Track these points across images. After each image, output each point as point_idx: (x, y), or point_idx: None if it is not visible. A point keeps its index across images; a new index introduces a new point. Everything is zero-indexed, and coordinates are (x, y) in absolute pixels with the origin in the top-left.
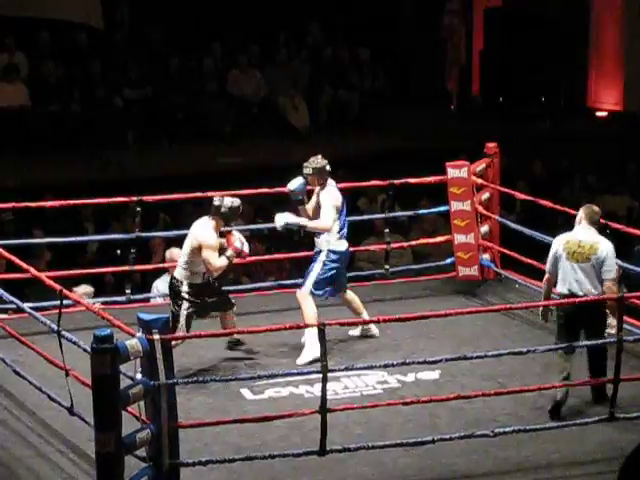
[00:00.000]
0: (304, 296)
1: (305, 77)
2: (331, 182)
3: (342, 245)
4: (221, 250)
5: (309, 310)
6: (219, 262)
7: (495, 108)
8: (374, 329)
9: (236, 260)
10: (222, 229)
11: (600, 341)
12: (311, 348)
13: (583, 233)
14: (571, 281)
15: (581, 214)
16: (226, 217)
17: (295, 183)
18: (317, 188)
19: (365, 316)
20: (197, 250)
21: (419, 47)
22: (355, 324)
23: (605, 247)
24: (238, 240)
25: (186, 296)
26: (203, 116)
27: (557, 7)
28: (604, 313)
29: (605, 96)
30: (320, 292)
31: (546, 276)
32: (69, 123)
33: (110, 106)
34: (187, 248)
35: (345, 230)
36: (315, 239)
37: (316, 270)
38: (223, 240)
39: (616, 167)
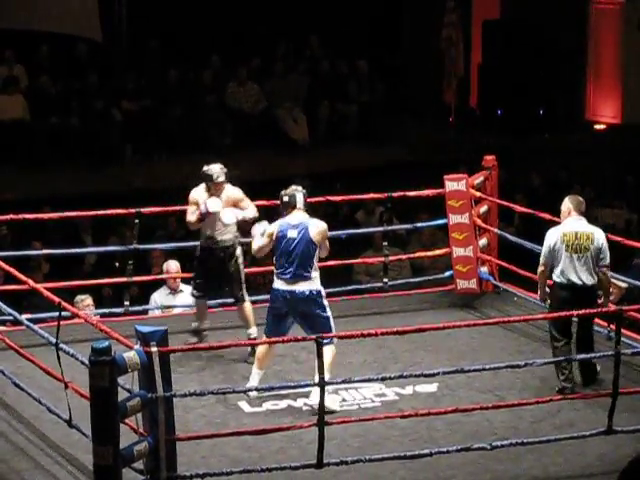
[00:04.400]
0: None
1: (304, 90)
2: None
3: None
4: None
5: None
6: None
7: (493, 121)
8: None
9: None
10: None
11: (592, 355)
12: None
13: (577, 224)
14: (570, 272)
15: (569, 205)
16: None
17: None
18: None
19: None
20: None
21: (417, 59)
22: (354, 337)
23: (600, 235)
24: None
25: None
26: (202, 129)
27: (555, 20)
28: (595, 300)
29: (603, 109)
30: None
31: (540, 268)
32: (68, 135)
33: (109, 118)
34: None
35: (282, 268)
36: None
37: None
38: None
39: (614, 180)
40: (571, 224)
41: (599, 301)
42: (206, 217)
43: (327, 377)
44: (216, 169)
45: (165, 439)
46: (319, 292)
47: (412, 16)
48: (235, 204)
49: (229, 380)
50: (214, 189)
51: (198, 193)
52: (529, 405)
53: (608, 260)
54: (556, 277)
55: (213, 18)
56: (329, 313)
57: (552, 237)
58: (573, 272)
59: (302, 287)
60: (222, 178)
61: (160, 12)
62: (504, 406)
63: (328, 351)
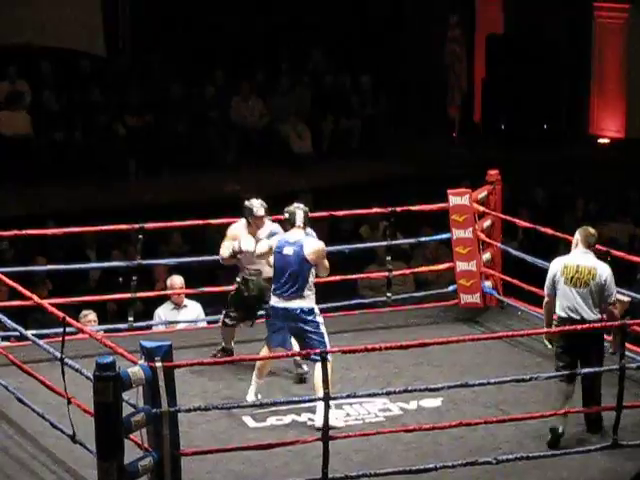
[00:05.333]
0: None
1: (307, 104)
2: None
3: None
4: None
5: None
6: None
7: (497, 135)
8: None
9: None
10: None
11: (602, 368)
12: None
13: (581, 257)
14: (569, 306)
15: (577, 237)
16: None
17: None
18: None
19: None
20: None
21: (421, 74)
22: (358, 351)
23: (603, 271)
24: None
25: None
26: (205, 143)
27: (559, 34)
28: (602, 340)
29: (607, 123)
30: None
31: (545, 299)
32: (71, 151)
33: (112, 134)
34: None
35: (278, 284)
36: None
37: None
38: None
39: (618, 194)
40: (575, 256)
41: (607, 339)
42: (239, 255)
43: (321, 394)
44: (256, 203)
45: (170, 454)
46: (311, 310)
47: (415, 31)
48: None
49: (233, 395)
50: (254, 223)
51: (238, 229)
52: (534, 419)
53: (614, 298)
54: (558, 310)
55: (216, 33)
56: (323, 330)
57: (554, 267)
58: (572, 306)
59: (295, 304)
60: (262, 212)
61: (163, 27)
62: (509, 420)
63: (320, 368)
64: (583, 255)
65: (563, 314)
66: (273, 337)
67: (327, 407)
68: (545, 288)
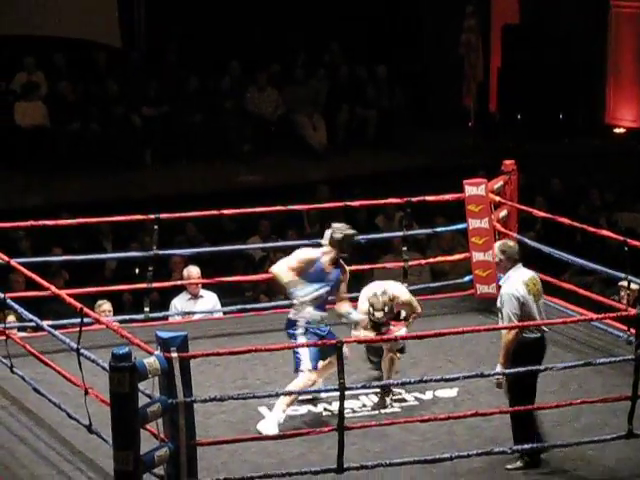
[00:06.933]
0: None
1: (323, 95)
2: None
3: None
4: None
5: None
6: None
7: (513, 125)
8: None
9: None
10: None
11: (612, 359)
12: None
13: (526, 270)
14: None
15: (511, 253)
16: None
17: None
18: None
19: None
20: None
21: (437, 64)
22: (373, 341)
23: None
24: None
25: None
26: (221, 134)
27: (575, 24)
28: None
29: (623, 113)
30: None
31: (513, 332)
32: (88, 142)
33: (128, 124)
34: None
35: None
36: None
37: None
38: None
39: (634, 184)
40: (524, 272)
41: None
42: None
43: (283, 408)
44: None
45: (186, 444)
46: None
47: (431, 21)
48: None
49: (249, 385)
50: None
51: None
52: (549, 409)
53: None
54: (530, 332)
55: (232, 24)
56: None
57: (516, 292)
58: (540, 320)
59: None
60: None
61: (179, 18)
62: (524, 410)
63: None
64: (524, 268)
65: (537, 334)
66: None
67: (342, 397)
68: (513, 318)
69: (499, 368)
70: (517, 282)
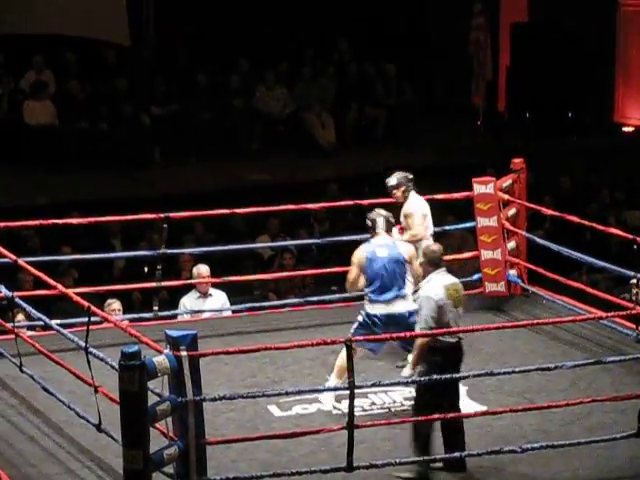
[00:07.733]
0: None
1: (331, 93)
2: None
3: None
4: None
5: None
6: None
7: (522, 123)
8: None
9: None
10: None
11: (622, 358)
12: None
13: (449, 276)
14: (458, 328)
15: (433, 257)
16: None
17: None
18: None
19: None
20: None
21: (445, 62)
22: (381, 340)
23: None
24: None
25: None
26: (230, 133)
27: (583, 22)
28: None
29: (632, 111)
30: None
31: (424, 340)
32: (96, 140)
33: (137, 123)
34: None
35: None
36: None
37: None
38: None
39: None
40: (446, 277)
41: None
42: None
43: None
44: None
45: (195, 443)
46: (414, 311)
47: (440, 19)
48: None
49: (259, 384)
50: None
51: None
52: (559, 408)
53: None
54: (445, 337)
55: (241, 22)
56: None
57: (434, 296)
58: (459, 327)
59: (401, 308)
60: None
61: (188, 17)
62: (534, 409)
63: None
64: (447, 273)
65: (453, 339)
66: (381, 347)
67: (352, 397)
68: (429, 322)
69: (408, 371)
70: (437, 286)
